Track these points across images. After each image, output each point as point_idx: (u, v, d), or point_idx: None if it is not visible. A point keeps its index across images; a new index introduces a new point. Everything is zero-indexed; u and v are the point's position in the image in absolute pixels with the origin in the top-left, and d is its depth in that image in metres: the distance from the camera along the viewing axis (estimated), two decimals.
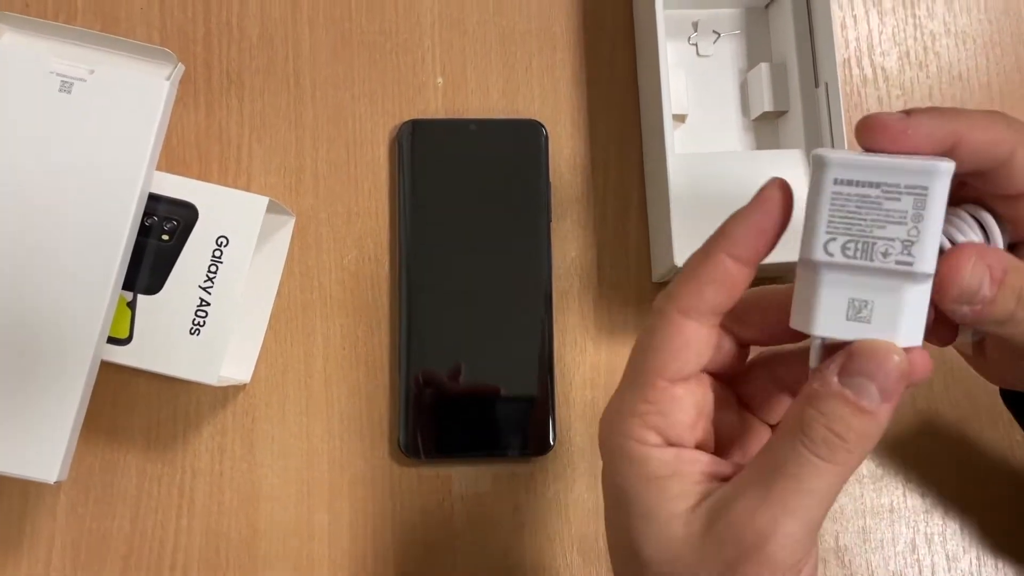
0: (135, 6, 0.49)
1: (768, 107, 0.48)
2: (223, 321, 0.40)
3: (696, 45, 0.50)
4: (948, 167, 0.26)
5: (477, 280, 0.47)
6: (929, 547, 0.47)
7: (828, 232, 0.27)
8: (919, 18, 0.52)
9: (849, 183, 0.27)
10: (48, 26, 0.42)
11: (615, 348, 0.48)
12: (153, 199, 0.41)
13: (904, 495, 0.47)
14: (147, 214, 0.41)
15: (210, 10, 0.49)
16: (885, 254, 0.27)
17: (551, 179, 0.49)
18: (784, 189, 0.28)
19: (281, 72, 0.49)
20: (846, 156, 0.27)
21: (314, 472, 0.46)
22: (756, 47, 0.51)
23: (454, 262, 0.47)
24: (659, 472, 0.29)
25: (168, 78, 0.39)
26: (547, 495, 0.47)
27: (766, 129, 0.50)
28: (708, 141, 0.50)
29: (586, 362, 0.48)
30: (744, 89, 0.50)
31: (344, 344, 0.47)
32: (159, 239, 0.41)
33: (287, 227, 0.47)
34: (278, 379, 0.47)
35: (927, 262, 0.27)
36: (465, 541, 0.46)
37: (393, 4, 0.50)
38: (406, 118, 0.49)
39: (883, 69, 0.52)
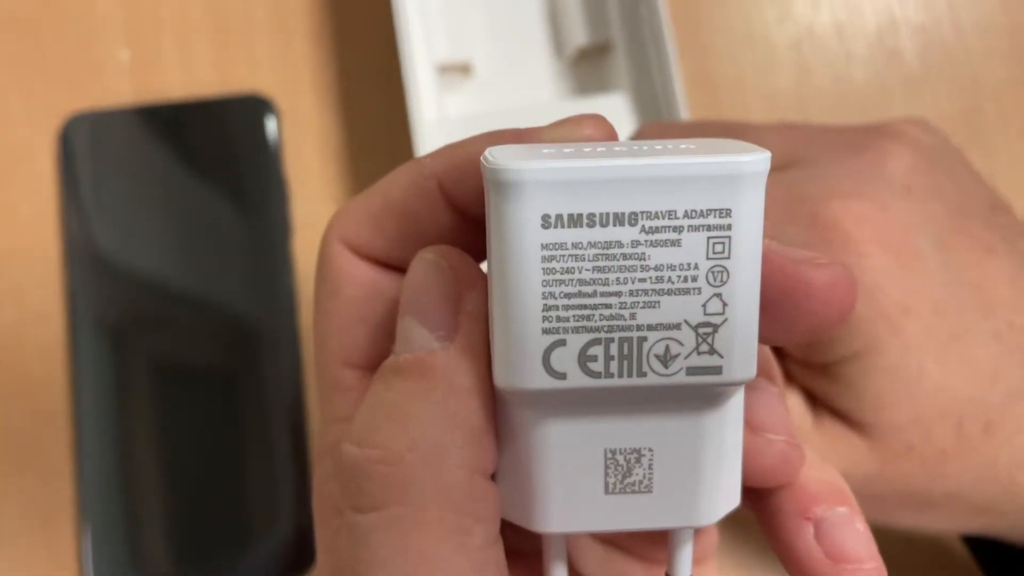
0: None
1: (583, 40, 0.34)
2: None
3: None
4: (761, 158, 0.13)
5: (190, 333, 0.33)
6: None
7: (547, 330, 0.13)
8: None
9: (573, 221, 0.13)
10: None
11: None
12: None
13: None
14: None
15: None
16: (666, 357, 0.13)
17: (287, 175, 0.34)
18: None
19: None
20: (555, 166, 0.13)
21: None
22: None
23: (155, 309, 0.33)
24: None
25: None
26: None
27: (588, 72, 0.36)
28: (509, 95, 0.35)
29: None
30: (554, 20, 0.36)
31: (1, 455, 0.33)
32: None
33: None
34: None
35: (746, 360, 0.13)
36: None
37: None
38: (77, 111, 0.34)
39: None
